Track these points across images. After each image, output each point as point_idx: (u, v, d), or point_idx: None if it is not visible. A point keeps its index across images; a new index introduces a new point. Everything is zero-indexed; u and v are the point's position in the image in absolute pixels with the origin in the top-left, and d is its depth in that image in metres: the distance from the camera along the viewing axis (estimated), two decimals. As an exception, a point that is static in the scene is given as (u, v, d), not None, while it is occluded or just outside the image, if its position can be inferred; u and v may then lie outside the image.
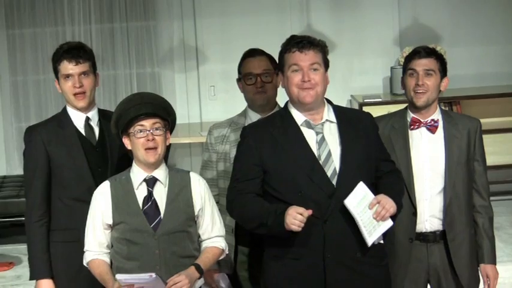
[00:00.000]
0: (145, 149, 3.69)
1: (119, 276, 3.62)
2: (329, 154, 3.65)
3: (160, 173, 3.76)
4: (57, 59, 4.06)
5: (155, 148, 3.70)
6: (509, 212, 7.58)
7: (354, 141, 3.68)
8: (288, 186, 3.61)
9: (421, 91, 4.01)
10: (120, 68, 8.13)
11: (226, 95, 7.94)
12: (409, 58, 4.08)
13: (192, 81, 8.21)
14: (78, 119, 4.11)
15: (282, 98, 4.19)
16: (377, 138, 3.82)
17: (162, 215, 3.71)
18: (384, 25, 8.13)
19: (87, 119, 4.10)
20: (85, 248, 3.79)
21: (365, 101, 7.75)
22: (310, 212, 3.48)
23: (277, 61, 4.11)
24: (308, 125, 3.69)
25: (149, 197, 3.73)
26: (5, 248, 7.29)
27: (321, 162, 3.63)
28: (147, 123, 3.69)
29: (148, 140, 3.68)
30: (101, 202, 3.75)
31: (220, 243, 3.84)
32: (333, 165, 3.63)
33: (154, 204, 3.73)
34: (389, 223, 3.62)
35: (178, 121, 3.91)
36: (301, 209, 3.48)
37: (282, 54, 3.72)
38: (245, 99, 4.33)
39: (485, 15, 8.15)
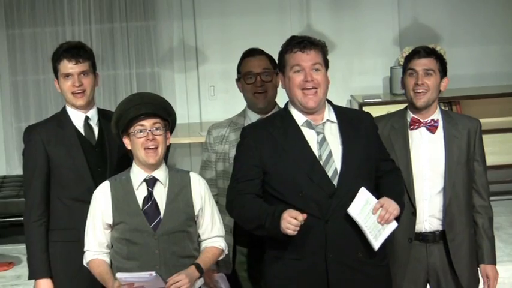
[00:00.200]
0: (145, 149, 3.69)
1: (119, 275, 3.62)
2: (330, 154, 3.65)
3: (161, 173, 3.76)
4: (57, 58, 4.06)
5: (155, 148, 3.70)
6: (509, 212, 7.58)
7: (355, 141, 3.68)
8: (288, 186, 3.61)
9: (421, 91, 4.01)
10: (120, 68, 8.13)
11: (226, 95, 7.94)
12: (409, 58, 4.08)
13: (192, 81, 8.21)
14: (77, 119, 4.11)
15: (281, 99, 4.19)
16: (377, 137, 3.82)
17: (162, 215, 3.71)
18: (384, 25, 8.14)
19: (87, 119, 4.10)
20: (85, 248, 3.79)
21: (365, 101, 7.75)
22: (304, 216, 3.47)
23: (276, 61, 4.11)
24: (309, 125, 3.69)
25: (149, 197, 3.73)
26: (4, 248, 7.29)
27: (321, 162, 3.63)
28: (147, 123, 3.69)
29: (148, 140, 3.68)
30: (101, 202, 3.75)
31: (220, 243, 3.84)
32: (334, 166, 3.63)
33: (155, 204, 3.73)
34: (394, 225, 3.62)
35: (178, 121, 3.91)
36: (295, 213, 3.47)
37: (282, 54, 3.72)
38: (244, 99, 4.32)
39: (484, 15, 8.16)
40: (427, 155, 4.05)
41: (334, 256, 3.59)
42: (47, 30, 8.05)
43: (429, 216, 4.03)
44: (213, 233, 3.83)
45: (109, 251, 3.77)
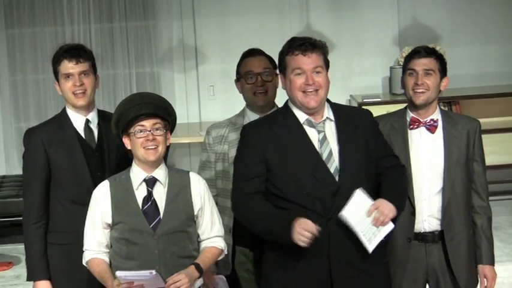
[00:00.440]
0: (145, 148, 3.68)
1: (119, 273, 3.62)
2: (330, 153, 3.65)
3: (160, 173, 3.76)
4: (57, 59, 4.06)
5: (155, 148, 3.69)
6: (508, 212, 7.58)
7: (352, 139, 3.68)
8: (291, 184, 3.61)
9: (420, 91, 4.01)
10: (119, 67, 8.13)
11: (225, 94, 7.93)
12: (409, 58, 4.08)
13: (191, 81, 8.21)
14: (77, 121, 4.10)
15: (281, 99, 4.18)
16: (377, 134, 3.81)
17: (161, 215, 3.71)
18: (383, 25, 8.13)
19: (87, 122, 4.10)
20: (84, 247, 3.79)
21: (364, 100, 7.74)
22: (319, 228, 3.48)
23: (276, 62, 4.11)
24: (310, 123, 3.69)
25: (149, 197, 3.73)
26: (4, 248, 7.28)
27: (323, 160, 3.63)
28: (147, 123, 3.69)
29: (148, 140, 3.68)
30: (101, 201, 3.74)
31: (220, 244, 3.84)
32: (335, 164, 3.64)
33: (154, 204, 3.72)
34: (389, 227, 3.62)
35: (177, 121, 3.91)
36: (309, 226, 3.47)
37: (283, 56, 3.71)
38: (244, 99, 4.32)
39: (484, 14, 8.15)
40: (427, 155, 4.05)
41: (336, 254, 3.59)
42: (46, 30, 8.04)
43: (428, 216, 4.03)
44: (212, 233, 3.82)
45: (108, 250, 3.77)
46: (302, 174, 3.60)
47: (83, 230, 3.80)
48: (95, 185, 3.89)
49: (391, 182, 3.76)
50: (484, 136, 4.17)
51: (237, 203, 3.71)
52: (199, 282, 3.76)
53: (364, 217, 3.58)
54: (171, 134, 3.82)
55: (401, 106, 4.22)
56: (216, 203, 3.98)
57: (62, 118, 4.12)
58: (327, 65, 3.71)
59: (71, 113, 4.10)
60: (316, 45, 3.66)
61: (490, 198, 4.18)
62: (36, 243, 4.03)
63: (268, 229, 3.59)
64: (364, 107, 7.40)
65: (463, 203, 4.06)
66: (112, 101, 8.04)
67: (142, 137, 3.69)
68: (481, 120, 4.22)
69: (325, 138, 3.68)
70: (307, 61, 3.64)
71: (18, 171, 7.36)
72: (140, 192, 3.74)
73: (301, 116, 3.70)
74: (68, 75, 4.03)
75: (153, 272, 3.54)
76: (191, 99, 8.22)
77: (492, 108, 7.82)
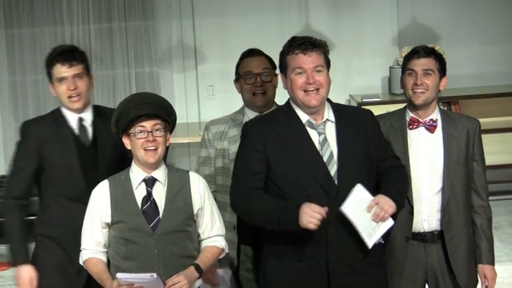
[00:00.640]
0: (145, 149, 3.68)
1: (119, 275, 3.61)
2: (331, 155, 3.65)
3: (160, 173, 3.75)
4: (50, 62, 4.05)
5: (155, 149, 3.69)
6: (508, 212, 7.58)
7: (353, 141, 3.68)
8: (292, 185, 3.61)
9: (420, 91, 4.01)
10: (118, 67, 8.13)
11: (224, 94, 7.93)
12: (408, 58, 4.08)
13: (191, 81, 8.21)
14: (72, 119, 4.11)
15: (280, 98, 4.18)
16: (378, 135, 3.81)
17: (161, 215, 3.71)
18: (383, 25, 8.13)
19: (80, 120, 4.10)
20: (82, 247, 3.79)
21: (364, 100, 7.74)
22: (326, 209, 3.47)
23: (275, 62, 4.11)
24: (310, 125, 3.69)
25: (148, 197, 3.73)
26: (3, 248, 7.26)
27: (324, 162, 3.63)
28: (147, 124, 3.68)
29: (148, 141, 3.68)
30: (100, 201, 3.74)
31: (220, 243, 3.83)
32: (335, 166, 3.63)
33: (154, 204, 3.72)
34: (389, 223, 3.62)
35: (176, 121, 3.91)
36: (317, 208, 3.47)
37: (283, 55, 3.70)
38: (243, 99, 4.32)
39: (483, 14, 8.15)
40: (426, 155, 4.04)
41: (334, 256, 3.59)
42: (45, 30, 8.04)
43: (427, 216, 4.03)
44: (213, 232, 3.82)
45: (106, 250, 3.77)
46: (302, 176, 3.60)
47: (78, 224, 3.81)
48: (87, 183, 3.91)
49: (391, 180, 3.76)
50: (483, 136, 4.16)
51: (236, 198, 3.71)
52: (199, 282, 3.76)
53: (364, 212, 3.57)
54: (170, 134, 3.82)
55: (401, 106, 4.21)
56: (215, 199, 3.97)
57: (58, 115, 4.13)
58: (327, 64, 3.70)
59: (66, 112, 4.11)
60: (316, 44, 3.66)
61: (489, 198, 4.18)
62: (16, 226, 4.04)
63: (272, 219, 3.57)
64: (363, 106, 7.40)
65: (463, 203, 4.06)
66: (111, 101, 8.03)
67: (143, 137, 3.68)
68: (481, 120, 4.21)
69: (325, 140, 3.67)
70: (307, 60, 3.63)
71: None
72: (140, 192, 3.74)
73: (303, 117, 3.70)
74: (61, 79, 4.03)
75: (154, 275, 3.54)
76: (190, 99, 8.22)
77: (491, 108, 7.82)
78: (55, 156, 4.05)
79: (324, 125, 3.70)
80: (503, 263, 6.04)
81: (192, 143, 7.87)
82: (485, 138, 4.29)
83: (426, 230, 4.04)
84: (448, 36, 8.13)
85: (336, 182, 3.61)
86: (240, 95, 4.34)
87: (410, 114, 4.09)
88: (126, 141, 3.74)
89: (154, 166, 3.74)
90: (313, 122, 3.69)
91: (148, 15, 8.07)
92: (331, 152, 3.65)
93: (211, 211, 3.83)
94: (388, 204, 3.59)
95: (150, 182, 3.74)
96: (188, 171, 3.84)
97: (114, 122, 3.79)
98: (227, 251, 3.92)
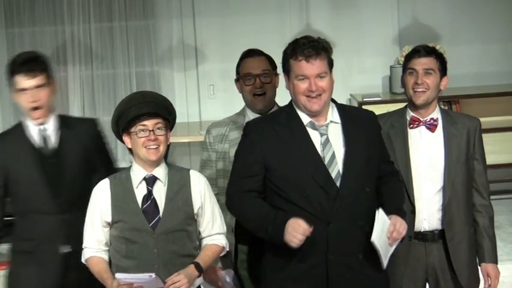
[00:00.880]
0: (147, 147, 3.68)
1: (118, 275, 3.62)
2: (333, 156, 3.64)
3: (160, 171, 3.75)
4: (11, 72, 3.98)
5: (157, 147, 3.69)
6: (509, 211, 7.58)
7: (357, 143, 3.67)
8: (291, 186, 3.60)
9: (420, 90, 4.01)
10: (119, 66, 8.13)
11: (225, 94, 7.92)
12: (409, 57, 4.08)
13: (191, 80, 8.20)
14: (33, 130, 4.06)
15: (280, 98, 4.18)
16: (379, 138, 3.81)
17: (161, 214, 3.71)
18: (383, 24, 8.13)
19: (42, 130, 4.05)
20: (83, 245, 3.80)
21: (364, 100, 7.74)
22: (311, 229, 3.48)
23: (275, 61, 4.11)
24: (312, 126, 3.68)
25: (149, 195, 3.73)
26: (3, 248, 7.26)
27: (325, 163, 3.62)
28: (149, 123, 3.68)
29: (150, 139, 3.68)
30: (100, 200, 3.75)
31: (221, 241, 3.83)
32: (337, 167, 3.63)
33: (154, 203, 3.72)
34: (399, 240, 3.65)
35: (177, 120, 3.91)
36: (301, 229, 3.47)
37: (286, 57, 3.67)
38: (243, 99, 4.32)
39: (484, 13, 8.15)
40: (427, 154, 4.04)
41: (334, 257, 3.59)
42: (46, 29, 8.04)
43: (428, 215, 4.03)
44: (213, 230, 3.82)
45: (107, 248, 3.77)
46: (302, 177, 3.59)
47: (50, 235, 3.87)
48: (53, 193, 3.91)
49: (394, 193, 3.79)
50: (484, 135, 4.16)
51: (231, 198, 3.71)
52: (199, 281, 3.75)
53: (384, 236, 3.60)
54: (170, 132, 3.82)
55: (402, 105, 4.21)
56: (218, 201, 3.97)
57: (19, 129, 4.08)
58: (331, 66, 3.67)
59: (28, 123, 4.06)
60: (319, 51, 3.61)
61: (490, 197, 4.17)
62: None
63: (261, 227, 3.59)
64: (364, 106, 7.41)
65: (464, 202, 4.06)
66: (112, 100, 8.04)
67: (144, 136, 3.68)
68: (481, 119, 4.22)
69: (327, 141, 3.66)
70: (310, 68, 3.61)
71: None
72: (140, 191, 3.74)
73: (305, 118, 3.69)
74: (23, 90, 3.96)
75: (153, 275, 3.54)
76: (191, 99, 8.21)
77: (492, 108, 7.82)
78: (17, 175, 4.02)
79: (327, 127, 3.69)
80: (504, 262, 6.03)
81: (192, 142, 7.87)
82: (486, 138, 4.29)
83: (427, 229, 4.04)
84: (448, 35, 8.12)
85: (337, 183, 3.60)
86: (240, 94, 4.34)
87: (410, 114, 4.09)
88: (126, 140, 3.74)
89: (155, 164, 3.74)
90: (315, 123, 3.68)
91: (149, 15, 8.07)
92: (333, 152, 3.64)
93: (212, 209, 3.83)
94: (403, 226, 3.62)
95: (150, 181, 3.74)
96: (189, 170, 3.84)
97: (114, 120, 3.79)
98: (228, 249, 3.92)
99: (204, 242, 3.83)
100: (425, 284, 4.12)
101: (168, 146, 3.81)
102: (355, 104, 7.71)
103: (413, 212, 4.01)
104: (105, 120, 8.00)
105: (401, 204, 3.79)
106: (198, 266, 3.70)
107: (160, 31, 8.10)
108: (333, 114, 3.72)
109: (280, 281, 3.67)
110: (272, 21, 8.04)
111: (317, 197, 3.57)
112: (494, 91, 7.84)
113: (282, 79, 3.84)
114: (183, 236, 3.73)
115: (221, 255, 3.89)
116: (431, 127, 4.06)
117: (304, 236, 3.47)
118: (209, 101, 8.19)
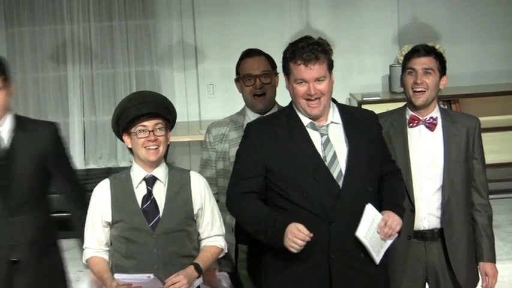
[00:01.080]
0: (146, 148, 3.69)
1: (117, 276, 3.62)
2: (334, 156, 3.64)
3: (160, 171, 3.76)
4: None
5: (156, 148, 3.69)
6: (508, 210, 7.59)
7: (359, 143, 3.67)
8: (292, 186, 3.60)
9: (420, 90, 4.01)
10: (119, 66, 8.13)
11: (225, 93, 7.93)
12: (408, 56, 4.07)
13: (191, 80, 8.21)
14: None
15: (280, 98, 4.19)
16: (380, 137, 3.82)
17: (161, 214, 3.71)
18: (383, 23, 8.14)
19: None
20: (84, 245, 3.80)
21: (364, 99, 7.74)
22: (311, 234, 3.48)
23: (275, 61, 4.10)
24: (313, 126, 3.68)
25: (148, 195, 3.73)
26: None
27: (326, 163, 3.62)
28: (149, 123, 3.68)
29: (150, 140, 3.68)
30: (101, 200, 3.75)
31: (220, 243, 3.83)
32: (339, 167, 3.63)
33: (154, 203, 3.72)
34: (394, 237, 3.64)
35: (177, 119, 3.91)
36: (301, 234, 3.48)
37: (286, 59, 3.67)
38: (243, 99, 4.32)
39: (484, 13, 8.15)
40: (426, 153, 4.05)
41: (336, 257, 3.59)
42: (46, 28, 8.05)
43: (428, 214, 4.03)
44: (212, 231, 3.82)
45: (108, 248, 3.77)
46: (303, 177, 3.59)
47: (2, 241, 3.81)
48: (3, 195, 3.85)
49: (394, 190, 3.79)
50: (483, 135, 4.16)
51: (232, 200, 3.72)
52: (198, 281, 3.75)
53: (375, 232, 3.60)
54: (170, 131, 3.82)
55: (401, 104, 4.21)
56: (217, 201, 3.98)
57: None
58: (330, 67, 3.66)
59: None
60: (318, 56, 3.60)
61: (490, 196, 4.18)
62: None
63: (260, 231, 3.60)
64: (363, 105, 7.42)
65: (463, 201, 4.06)
66: (112, 100, 8.05)
67: (144, 137, 3.68)
68: (481, 118, 4.22)
69: (328, 141, 3.66)
70: (309, 72, 3.60)
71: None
72: (140, 191, 3.74)
73: (305, 119, 3.69)
74: None
75: (151, 276, 3.54)
76: (191, 98, 8.22)
77: (492, 107, 7.83)
78: None
79: (327, 127, 3.69)
80: (504, 261, 6.04)
81: (192, 141, 7.89)
82: (486, 137, 4.29)
83: (426, 228, 4.04)
84: (448, 34, 8.13)
85: (339, 182, 3.60)
86: (240, 94, 4.34)
87: (410, 113, 4.09)
88: (126, 139, 3.75)
89: (155, 164, 3.74)
90: (316, 123, 3.68)
91: (149, 14, 8.07)
92: (334, 152, 3.64)
93: (212, 211, 3.83)
94: (396, 222, 3.62)
95: (150, 181, 3.74)
96: (189, 171, 3.84)
97: (114, 120, 3.79)
98: (226, 251, 3.92)
99: (203, 243, 3.83)
100: (425, 283, 4.12)
101: (168, 146, 3.81)
102: (355, 103, 7.72)
103: (412, 210, 4.01)
104: (105, 120, 8.06)
105: (401, 201, 3.78)
106: (197, 267, 3.70)
107: (160, 31, 8.11)
108: (334, 115, 3.72)
109: (281, 281, 3.67)
110: (272, 21, 8.04)
111: (318, 196, 3.58)
112: (493, 90, 7.85)
113: (282, 78, 3.84)
114: (183, 237, 3.73)
115: (220, 256, 3.88)
116: (431, 126, 4.06)
117: (304, 241, 3.47)
118: (209, 101, 8.20)
